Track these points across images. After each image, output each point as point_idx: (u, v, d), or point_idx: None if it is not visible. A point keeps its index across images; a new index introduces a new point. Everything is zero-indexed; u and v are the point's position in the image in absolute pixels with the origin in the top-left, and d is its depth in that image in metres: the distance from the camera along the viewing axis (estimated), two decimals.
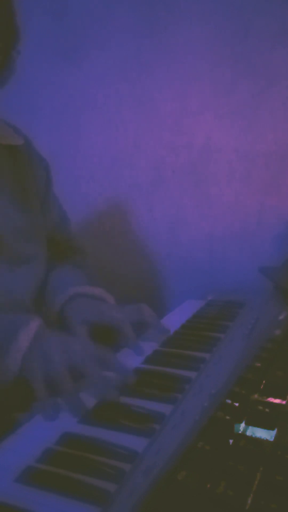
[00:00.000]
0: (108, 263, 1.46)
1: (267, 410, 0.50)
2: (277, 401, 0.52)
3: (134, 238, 1.44)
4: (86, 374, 0.58)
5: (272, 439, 0.45)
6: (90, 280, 0.88)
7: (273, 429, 0.46)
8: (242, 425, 0.48)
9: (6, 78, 0.77)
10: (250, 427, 0.47)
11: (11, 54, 0.75)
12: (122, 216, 1.45)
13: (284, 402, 0.52)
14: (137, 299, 0.85)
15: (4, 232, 0.78)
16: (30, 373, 0.57)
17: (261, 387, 0.56)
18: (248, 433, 0.46)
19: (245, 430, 0.47)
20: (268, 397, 0.53)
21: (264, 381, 0.57)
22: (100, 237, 1.48)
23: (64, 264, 0.92)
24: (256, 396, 0.54)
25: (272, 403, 0.52)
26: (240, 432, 0.47)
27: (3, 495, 0.39)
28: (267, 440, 0.45)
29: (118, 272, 1.45)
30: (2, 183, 0.81)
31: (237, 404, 0.51)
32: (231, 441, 0.44)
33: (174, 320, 0.87)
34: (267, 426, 0.47)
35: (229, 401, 0.52)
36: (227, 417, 0.48)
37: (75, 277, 0.87)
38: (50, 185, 0.96)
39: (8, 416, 0.56)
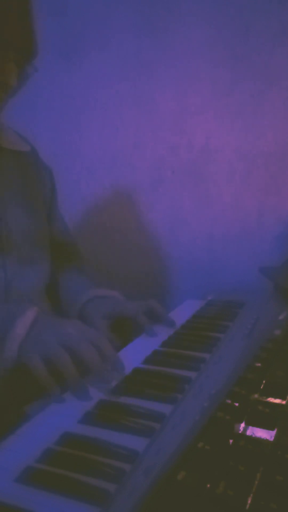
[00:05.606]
0: (108, 263, 1.46)
1: (267, 410, 0.50)
2: (277, 401, 0.52)
3: (134, 238, 1.44)
4: (82, 356, 0.59)
5: (272, 439, 0.45)
6: (95, 282, 0.94)
7: (273, 429, 0.46)
8: (242, 425, 0.48)
9: (18, 90, 0.77)
10: (250, 427, 0.47)
11: (26, 68, 0.75)
12: (122, 216, 1.45)
13: (284, 402, 0.52)
14: (137, 299, 0.85)
15: (14, 234, 0.80)
16: (29, 360, 0.58)
17: (261, 387, 0.56)
18: (248, 433, 0.46)
19: (245, 430, 0.47)
20: (268, 397, 0.53)
21: (264, 381, 0.57)
22: (100, 237, 1.48)
23: (71, 268, 0.96)
24: (256, 396, 0.54)
25: (272, 403, 0.52)
26: (240, 432, 0.47)
27: (3, 495, 0.39)
28: (267, 440, 0.45)
29: (118, 272, 1.45)
30: (12, 188, 0.83)
31: (237, 404, 0.51)
32: (231, 441, 0.44)
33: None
34: (267, 426, 0.47)
35: (229, 401, 0.52)
36: (227, 417, 0.48)
37: (87, 281, 0.94)
38: (55, 193, 0.98)
39: (8, 416, 0.56)
